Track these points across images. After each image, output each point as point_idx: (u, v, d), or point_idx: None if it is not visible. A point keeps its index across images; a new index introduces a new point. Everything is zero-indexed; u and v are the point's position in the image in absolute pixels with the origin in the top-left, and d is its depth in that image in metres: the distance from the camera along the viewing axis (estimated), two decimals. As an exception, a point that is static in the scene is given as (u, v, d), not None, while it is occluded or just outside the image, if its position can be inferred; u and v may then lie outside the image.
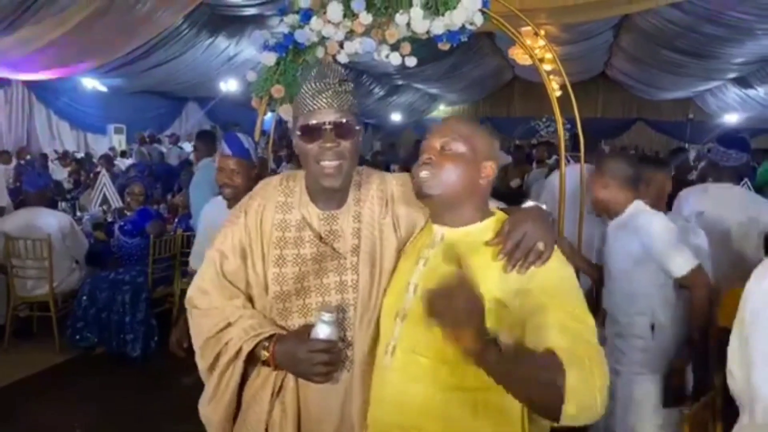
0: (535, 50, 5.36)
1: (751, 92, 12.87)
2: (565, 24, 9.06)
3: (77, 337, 4.14)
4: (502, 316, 1.21)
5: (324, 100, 1.34)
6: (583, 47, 12.13)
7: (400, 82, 16.30)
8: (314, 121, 1.34)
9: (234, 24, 9.92)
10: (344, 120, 1.35)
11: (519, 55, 9.53)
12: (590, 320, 1.20)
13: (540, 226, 1.27)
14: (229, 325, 1.39)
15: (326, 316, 1.31)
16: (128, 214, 4.61)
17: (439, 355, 1.24)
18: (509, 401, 1.16)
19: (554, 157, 6.63)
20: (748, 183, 7.32)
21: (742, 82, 12.64)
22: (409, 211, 1.47)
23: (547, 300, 1.19)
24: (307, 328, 1.35)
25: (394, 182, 1.50)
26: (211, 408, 1.45)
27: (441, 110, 20.95)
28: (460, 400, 1.25)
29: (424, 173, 1.33)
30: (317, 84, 1.35)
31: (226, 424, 1.45)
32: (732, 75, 12.44)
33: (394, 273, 1.43)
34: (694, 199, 3.03)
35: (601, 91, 18.00)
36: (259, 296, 1.44)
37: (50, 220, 4.33)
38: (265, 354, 1.35)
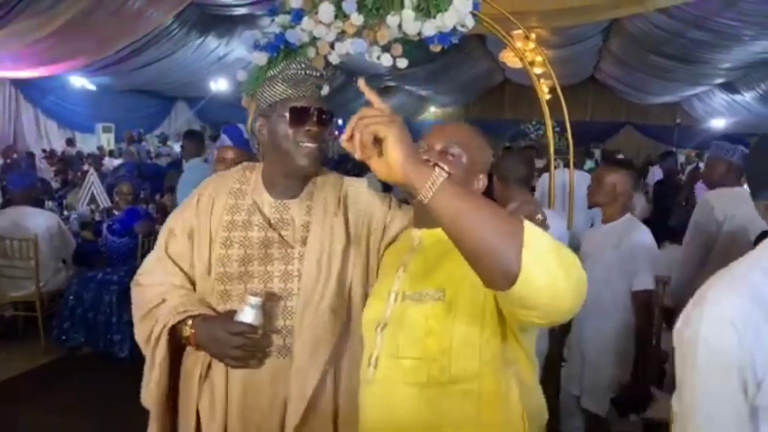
0: (525, 53, 5.39)
1: (737, 97, 13.03)
2: (555, 27, 9.13)
3: (63, 337, 4.10)
4: (478, 301, 1.18)
5: (308, 88, 1.43)
6: (573, 51, 12.22)
7: (391, 84, 16.32)
8: (303, 105, 1.41)
9: (224, 23, 9.89)
10: (326, 108, 1.44)
11: (510, 58, 9.58)
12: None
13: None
14: (163, 301, 1.42)
15: (252, 300, 1.30)
16: (116, 213, 4.57)
17: (424, 352, 1.22)
18: (504, 386, 1.19)
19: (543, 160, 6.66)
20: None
21: (729, 87, 12.80)
22: (364, 208, 1.50)
23: None
24: (230, 312, 1.36)
25: (349, 183, 1.56)
26: (146, 392, 1.46)
27: (431, 112, 21.01)
28: (451, 393, 1.22)
29: None
30: (300, 73, 1.45)
31: (158, 409, 1.45)
32: (719, 80, 12.59)
33: (376, 284, 1.43)
34: (727, 202, 2.96)
35: (590, 95, 18.14)
36: (202, 278, 1.46)
37: (37, 220, 4.29)
38: (187, 330, 1.36)
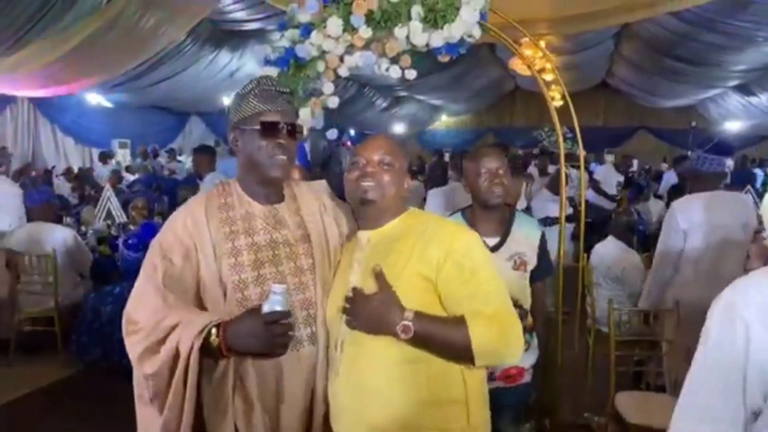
0: (535, 60, 5.38)
1: (753, 99, 12.87)
2: (565, 34, 9.10)
3: (81, 351, 4.15)
4: (426, 287, 1.44)
5: (278, 104, 1.53)
6: (584, 56, 12.18)
7: (402, 94, 16.37)
8: (273, 120, 1.50)
9: (236, 39, 10.01)
10: (295, 122, 1.56)
11: (519, 66, 9.57)
12: (499, 285, 1.49)
13: (370, 317, 1.42)
14: (174, 327, 1.39)
15: (277, 288, 1.36)
16: (132, 228, 4.63)
17: (380, 338, 1.42)
18: (450, 366, 1.44)
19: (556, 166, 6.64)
20: (752, 190, 7.32)
21: (744, 89, 12.66)
22: (336, 213, 1.70)
23: (458, 271, 1.43)
24: (254, 307, 1.40)
25: (319, 188, 1.74)
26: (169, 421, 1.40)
27: (443, 121, 21.03)
28: (405, 372, 1.42)
29: (368, 182, 1.54)
30: (271, 90, 1.54)
31: None
32: (733, 82, 12.45)
33: (336, 276, 1.59)
34: (692, 209, 3.12)
35: (603, 100, 18.03)
36: (213, 289, 1.47)
37: (55, 235, 4.36)
38: (215, 340, 1.36)
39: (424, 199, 8.49)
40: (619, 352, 3.11)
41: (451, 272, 1.43)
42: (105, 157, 11.24)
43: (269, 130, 1.50)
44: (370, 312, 1.41)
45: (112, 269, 4.80)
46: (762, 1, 7.24)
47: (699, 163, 3.14)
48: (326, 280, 1.57)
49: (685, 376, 1.07)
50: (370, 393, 1.43)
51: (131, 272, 4.43)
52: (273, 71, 2.92)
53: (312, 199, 1.67)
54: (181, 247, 1.48)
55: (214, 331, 1.37)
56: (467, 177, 2.20)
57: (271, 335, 1.36)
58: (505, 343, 1.43)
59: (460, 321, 1.40)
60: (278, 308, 1.35)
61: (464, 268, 1.44)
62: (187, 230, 1.49)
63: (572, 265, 4.17)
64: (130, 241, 4.45)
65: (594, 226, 5.18)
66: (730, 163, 3.34)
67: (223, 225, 1.51)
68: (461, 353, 1.40)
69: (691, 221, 3.11)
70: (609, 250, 4.07)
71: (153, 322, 1.41)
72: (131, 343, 1.45)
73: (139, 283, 1.51)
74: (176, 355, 1.37)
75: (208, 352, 1.37)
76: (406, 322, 1.37)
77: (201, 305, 1.48)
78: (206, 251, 1.47)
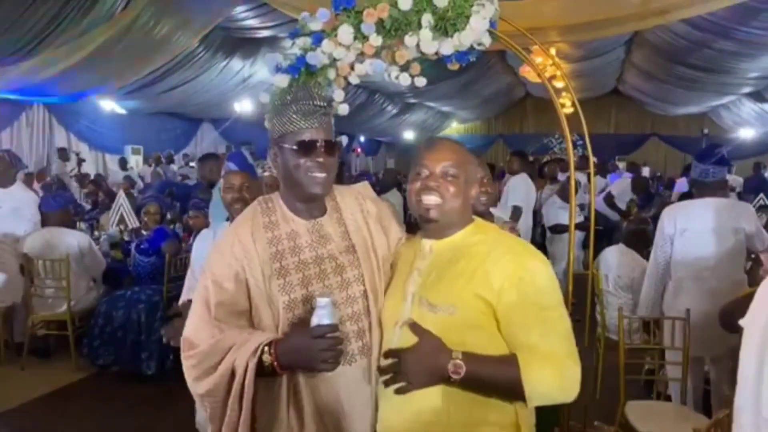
0: (545, 68, 5.38)
1: (766, 106, 12.77)
2: (576, 41, 9.09)
3: (94, 355, 4.19)
4: (486, 311, 1.38)
5: (316, 120, 1.49)
6: (595, 63, 12.16)
7: (412, 101, 16.41)
8: (309, 138, 1.47)
9: (248, 46, 10.10)
10: (333, 140, 1.51)
11: (530, 74, 9.56)
12: (562, 322, 1.40)
13: (418, 370, 1.36)
14: (230, 349, 1.40)
15: (322, 302, 1.35)
16: (144, 233, 4.68)
17: None
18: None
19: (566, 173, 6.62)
20: (764, 197, 7.24)
21: (757, 96, 12.56)
22: (383, 210, 1.67)
23: (521, 300, 1.37)
24: (302, 323, 1.40)
25: (364, 194, 1.68)
26: None
27: (453, 128, 21.03)
28: (463, 395, 1.37)
29: (431, 199, 1.47)
30: (308, 105, 1.49)
31: None
32: (746, 89, 12.37)
33: (392, 282, 1.56)
34: (681, 215, 3.29)
35: (613, 107, 17.98)
36: (264, 310, 1.47)
37: (69, 240, 4.41)
38: (267, 359, 1.37)
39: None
40: (629, 361, 3.10)
41: (514, 301, 1.36)
42: (123, 163, 11.38)
43: (307, 149, 1.47)
44: (416, 364, 1.33)
45: (124, 274, 4.85)
46: (772, 7, 7.20)
47: (701, 175, 3.25)
48: (375, 291, 1.53)
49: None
50: (419, 410, 1.39)
51: (143, 277, 4.49)
52: (284, 79, 2.95)
53: (354, 206, 1.63)
54: (230, 270, 1.47)
55: (266, 349, 1.37)
56: None
57: (318, 349, 1.34)
58: (558, 386, 1.35)
59: (512, 361, 1.33)
60: (325, 321, 1.34)
61: (528, 297, 1.36)
62: (235, 254, 1.48)
63: (581, 272, 4.16)
64: (142, 246, 4.50)
65: (603, 234, 5.15)
66: (730, 176, 3.43)
67: (269, 245, 1.50)
68: (513, 394, 1.34)
69: (675, 227, 3.25)
70: (618, 257, 4.04)
71: (208, 345, 1.42)
72: (188, 365, 1.45)
73: (194, 307, 1.50)
74: (232, 376, 1.38)
75: (262, 371, 1.38)
76: (456, 361, 1.31)
77: (255, 327, 1.48)
78: (255, 273, 1.46)
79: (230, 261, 1.47)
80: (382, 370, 1.40)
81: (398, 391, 1.35)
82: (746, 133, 14.94)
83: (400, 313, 1.47)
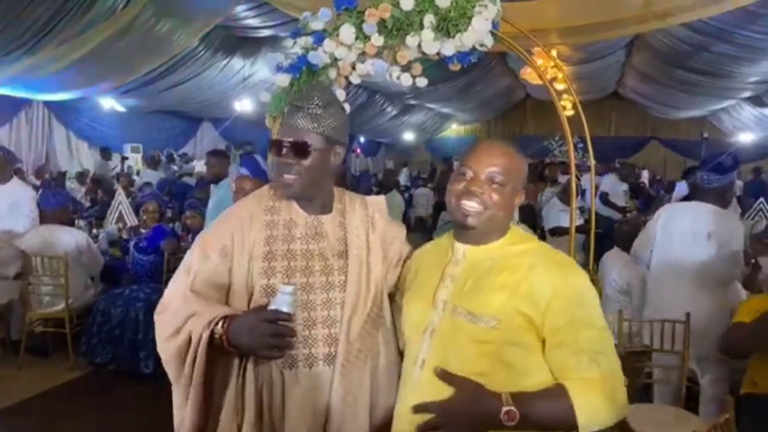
0: (546, 70, 5.38)
1: (766, 111, 12.78)
2: (576, 43, 9.09)
3: (91, 353, 4.18)
4: (528, 328, 1.32)
5: (296, 120, 1.45)
6: (596, 66, 12.15)
7: (412, 102, 16.40)
8: (277, 137, 1.47)
9: (249, 45, 10.09)
10: (303, 140, 1.43)
11: (531, 76, 9.56)
12: (608, 339, 1.35)
13: (466, 422, 1.28)
14: (192, 315, 1.41)
15: (285, 288, 1.33)
16: (143, 231, 4.67)
17: (473, 368, 1.31)
18: None
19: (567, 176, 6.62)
20: (764, 201, 7.24)
21: (757, 100, 12.57)
22: (388, 229, 1.61)
23: (567, 319, 1.31)
24: (262, 306, 1.39)
25: (373, 205, 1.63)
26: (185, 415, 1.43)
27: (453, 129, 21.04)
28: None
29: (472, 205, 1.38)
30: (294, 104, 1.47)
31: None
32: (746, 94, 12.37)
33: (415, 285, 1.50)
34: (664, 215, 3.44)
35: (613, 110, 17.99)
36: (239, 290, 1.46)
37: (67, 238, 4.40)
38: (219, 331, 1.36)
39: (433, 205, 8.53)
40: (628, 364, 3.09)
41: (561, 320, 1.30)
42: (106, 154, 11.34)
43: (274, 147, 1.47)
44: (463, 416, 1.24)
45: (122, 272, 4.83)
46: (773, 12, 7.20)
47: (698, 180, 3.34)
48: (355, 303, 1.47)
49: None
50: None
51: (142, 275, 4.48)
52: (285, 78, 2.94)
53: (361, 216, 1.58)
54: (219, 243, 1.48)
55: (220, 323, 1.36)
56: None
57: (266, 333, 1.31)
58: (610, 409, 1.29)
59: (562, 393, 1.27)
60: (283, 309, 1.32)
61: (575, 317, 1.31)
62: (229, 229, 1.49)
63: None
64: (140, 245, 4.49)
65: (604, 237, 5.14)
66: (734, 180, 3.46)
67: (265, 228, 1.50)
68: (566, 425, 1.27)
69: (656, 227, 3.38)
70: (614, 261, 4.03)
71: (175, 308, 1.45)
72: (159, 326, 1.49)
73: (178, 271, 1.53)
74: (188, 344, 1.40)
75: (216, 344, 1.38)
76: (508, 408, 1.22)
77: (229, 304, 1.48)
78: (243, 252, 1.46)
79: (222, 233, 1.49)
80: (420, 428, 1.27)
81: None
82: (746, 138, 14.96)
83: (428, 320, 1.40)
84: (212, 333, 1.36)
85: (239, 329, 1.35)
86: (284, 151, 1.44)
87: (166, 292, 1.53)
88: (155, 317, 1.51)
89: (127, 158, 10.52)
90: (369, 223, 1.58)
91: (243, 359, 1.42)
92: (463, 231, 1.43)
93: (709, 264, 3.17)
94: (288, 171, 1.45)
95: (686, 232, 3.25)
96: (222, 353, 1.40)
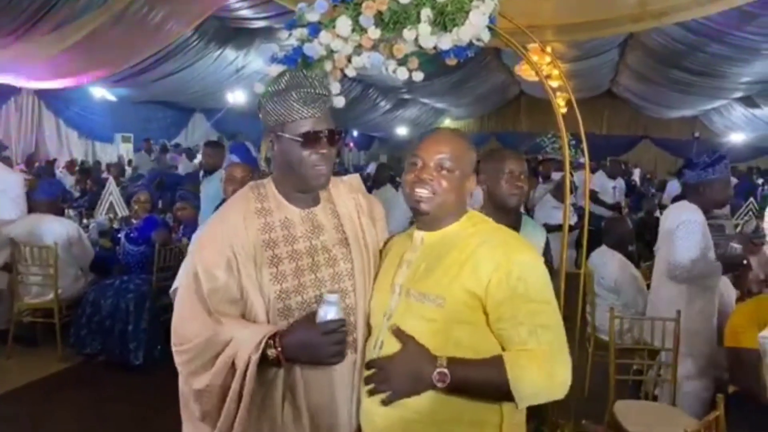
0: (541, 67, 5.38)
1: (757, 111, 12.88)
2: (572, 41, 9.11)
3: (80, 344, 4.15)
4: (474, 305, 1.37)
5: (318, 109, 1.43)
6: (590, 64, 12.19)
7: (406, 96, 16.39)
8: (313, 129, 1.42)
9: (242, 36, 10.02)
10: (336, 128, 1.46)
11: (526, 72, 9.57)
12: (552, 316, 1.39)
13: (402, 379, 1.37)
14: (226, 345, 1.36)
15: (331, 297, 1.35)
16: (134, 222, 4.63)
17: (425, 344, 1.37)
18: None
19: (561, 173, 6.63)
20: (754, 202, 7.29)
21: (748, 101, 12.66)
22: (375, 208, 1.65)
23: (508, 294, 1.35)
24: (309, 316, 1.39)
25: (356, 188, 1.65)
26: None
27: (447, 124, 21.03)
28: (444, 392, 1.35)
29: (423, 192, 1.44)
30: (309, 92, 1.42)
31: None
32: (738, 94, 12.46)
33: (380, 275, 1.54)
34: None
35: (606, 108, 18.05)
36: (256, 297, 1.42)
37: (57, 228, 4.36)
38: (272, 352, 1.34)
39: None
40: (618, 361, 3.11)
41: (503, 295, 1.34)
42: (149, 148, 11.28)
43: (311, 140, 1.42)
44: (400, 373, 1.34)
45: (113, 262, 4.80)
46: (765, 13, 7.23)
47: (681, 178, 3.32)
48: (364, 287, 1.50)
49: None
50: (402, 404, 1.37)
51: (132, 266, 4.45)
52: (280, 69, 2.92)
53: (348, 198, 1.59)
54: (221, 258, 1.40)
55: (270, 342, 1.34)
56: (487, 176, 2.21)
57: (327, 344, 1.34)
58: (548, 384, 1.33)
59: (499, 363, 1.31)
60: (335, 317, 1.34)
61: (517, 291, 1.34)
62: (226, 240, 1.41)
63: (573, 271, 4.16)
64: (131, 235, 4.46)
65: (596, 234, 5.17)
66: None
67: (262, 232, 1.44)
68: (502, 396, 1.33)
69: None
70: (602, 259, 4.04)
71: (204, 339, 1.37)
72: (182, 360, 1.41)
73: (183, 297, 1.44)
74: (231, 370, 1.35)
75: (262, 363, 1.36)
76: (441, 370, 1.30)
77: (245, 315, 1.44)
78: (247, 260, 1.41)
79: (221, 248, 1.41)
80: (365, 380, 1.39)
81: (383, 401, 1.35)
82: (737, 138, 15.08)
83: (387, 305, 1.46)
84: (263, 353, 1.34)
85: (296, 345, 1.35)
86: (323, 142, 1.43)
87: (179, 322, 1.43)
88: (176, 355, 1.42)
89: (168, 150, 10.36)
90: (356, 204, 1.60)
91: (283, 371, 1.40)
92: (420, 217, 1.50)
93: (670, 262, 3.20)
94: (324, 162, 1.45)
95: (661, 231, 3.33)
96: (259, 372, 1.38)
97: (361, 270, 1.51)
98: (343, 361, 1.39)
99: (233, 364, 1.35)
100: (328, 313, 1.34)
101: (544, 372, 1.32)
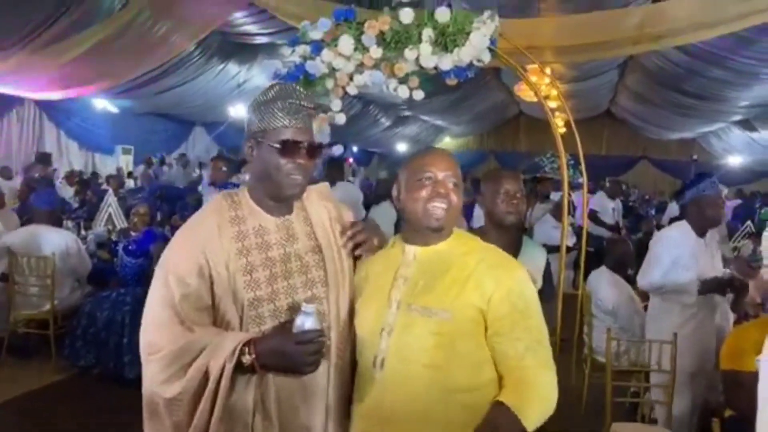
0: (540, 87, 5.43)
1: (755, 135, 12.97)
2: (570, 62, 9.19)
3: (75, 356, 4.12)
4: (476, 318, 1.41)
5: (301, 120, 1.45)
6: (589, 85, 12.29)
7: (406, 114, 16.48)
8: (293, 138, 1.44)
9: (245, 51, 10.09)
10: (318, 142, 1.49)
11: (525, 93, 9.64)
12: (543, 331, 1.46)
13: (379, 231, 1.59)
14: (200, 353, 1.35)
15: (309, 308, 1.35)
16: (133, 234, 4.63)
17: (430, 360, 1.39)
18: (493, 398, 1.39)
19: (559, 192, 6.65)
20: (751, 225, 7.30)
21: (746, 124, 12.76)
22: (345, 215, 1.65)
23: (508, 309, 1.41)
24: (284, 325, 1.40)
25: (326, 195, 1.66)
26: None
27: (446, 142, 21.12)
28: (456, 401, 1.39)
29: (441, 205, 1.46)
30: (295, 104, 1.45)
31: None
32: (736, 118, 12.55)
33: (368, 289, 1.53)
34: None
35: (605, 129, 18.16)
36: (229, 304, 1.41)
37: (56, 239, 4.36)
38: (247, 359, 1.34)
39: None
40: (615, 383, 3.10)
41: (504, 310, 1.41)
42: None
43: (290, 149, 1.43)
44: None
45: (110, 275, 4.78)
46: (764, 38, 7.32)
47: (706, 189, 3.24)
48: (339, 293, 1.52)
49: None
50: (404, 414, 1.39)
51: (130, 278, 4.43)
52: (282, 86, 2.95)
53: (321, 206, 1.60)
54: (193, 265, 1.40)
55: (245, 350, 1.34)
56: (485, 196, 2.29)
57: (303, 354, 1.33)
58: (548, 407, 1.41)
59: (505, 409, 1.36)
60: (311, 327, 1.34)
61: (516, 308, 1.41)
62: (199, 247, 1.41)
63: (571, 292, 4.16)
64: (130, 247, 4.45)
65: (595, 255, 5.17)
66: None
67: (235, 240, 1.45)
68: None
69: None
70: (601, 281, 4.02)
71: (177, 347, 1.36)
72: (153, 368, 1.38)
73: (153, 305, 1.42)
74: (204, 378, 1.34)
75: (236, 370, 1.36)
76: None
77: (216, 322, 1.43)
78: (219, 268, 1.41)
79: (193, 254, 1.40)
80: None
81: None
82: (734, 160, 15.16)
83: (384, 320, 1.45)
84: (238, 360, 1.34)
85: (271, 353, 1.35)
86: (301, 152, 1.45)
87: (151, 330, 1.41)
88: (146, 364, 1.41)
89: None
90: (327, 211, 1.61)
91: (255, 379, 1.39)
92: (427, 233, 1.49)
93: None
94: (300, 173, 1.46)
95: None
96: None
97: (334, 277, 1.52)
98: (315, 370, 1.38)
99: (206, 371, 1.34)
100: (305, 322, 1.34)
101: (541, 400, 1.40)
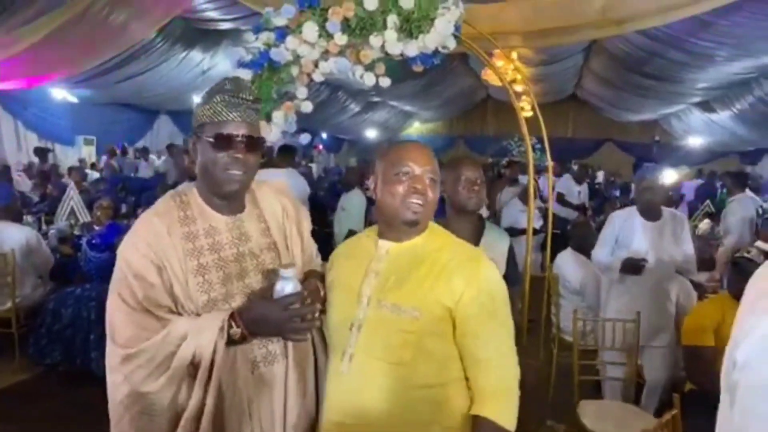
0: (507, 72, 5.46)
1: (713, 116, 13.31)
2: (536, 47, 9.27)
3: (40, 354, 4.03)
4: (444, 316, 1.41)
5: (238, 113, 1.41)
6: (555, 69, 12.41)
7: (375, 99, 16.41)
8: (228, 132, 1.40)
9: (209, 38, 9.88)
10: (255, 135, 1.44)
11: (492, 77, 9.68)
12: (510, 331, 1.48)
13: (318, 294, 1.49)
14: (183, 340, 1.34)
15: (287, 272, 1.35)
16: (97, 228, 4.53)
17: (398, 357, 1.40)
18: (460, 396, 1.43)
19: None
20: (710, 204, 7.53)
21: (705, 106, 13.07)
22: (300, 214, 1.64)
23: (477, 309, 1.42)
24: (265, 291, 1.40)
25: (283, 192, 1.64)
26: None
27: (415, 127, 21.14)
28: (421, 397, 1.40)
29: (419, 201, 1.45)
30: (233, 97, 1.42)
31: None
32: (695, 99, 12.85)
33: (338, 283, 1.53)
34: None
35: (571, 112, 18.40)
36: (187, 304, 1.40)
37: (15, 234, 4.23)
38: (236, 331, 1.34)
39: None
40: (582, 362, 3.18)
41: (473, 310, 1.42)
42: (113, 153, 10.97)
43: (224, 142, 1.40)
44: None
45: (73, 270, 4.67)
46: (721, 22, 7.50)
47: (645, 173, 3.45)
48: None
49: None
50: (371, 409, 1.40)
51: (94, 273, 4.34)
52: (247, 74, 2.90)
53: (275, 202, 1.59)
54: (151, 265, 1.37)
55: (232, 323, 1.35)
56: (445, 184, 2.30)
57: (288, 319, 1.34)
58: (517, 396, 1.46)
59: (488, 423, 1.40)
60: (290, 290, 1.34)
61: (485, 308, 1.42)
62: (152, 248, 1.38)
63: (538, 275, 4.24)
64: (94, 242, 4.34)
65: (561, 237, 5.27)
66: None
67: (186, 241, 1.41)
68: None
69: None
70: (567, 262, 4.12)
71: (154, 342, 1.33)
72: (133, 366, 1.34)
73: (117, 305, 1.38)
74: (193, 362, 1.34)
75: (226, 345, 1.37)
76: None
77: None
78: (174, 269, 1.38)
79: (148, 253, 1.38)
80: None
81: None
82: (695, 141, 15.55)
83: (354, 315, 1.45)
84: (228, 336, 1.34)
85: (256, 322, 1.35)
86: (238, 146, 1.41)
87: (121, 331, 1.37)
88: (121, 365, 1.36)
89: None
90: (283, 209, 1.59)
91: (210, 372, 1.36)
92: (402, 228, 1.49)
93: None
94: (238, 167, 1.42)
95: None
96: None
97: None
98: (306, 338, 1.39)
99: (193, 356, 1.33)
100: (285, 287, 1.34)
101: (511, 407, 1.44)
